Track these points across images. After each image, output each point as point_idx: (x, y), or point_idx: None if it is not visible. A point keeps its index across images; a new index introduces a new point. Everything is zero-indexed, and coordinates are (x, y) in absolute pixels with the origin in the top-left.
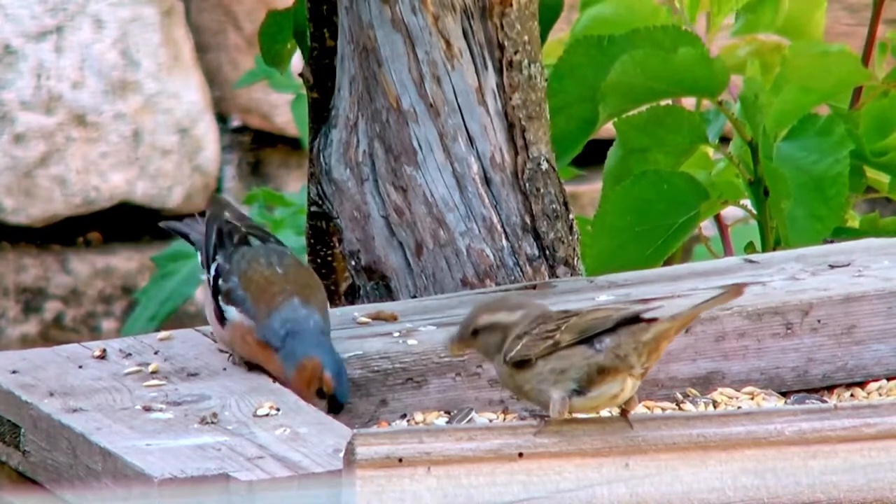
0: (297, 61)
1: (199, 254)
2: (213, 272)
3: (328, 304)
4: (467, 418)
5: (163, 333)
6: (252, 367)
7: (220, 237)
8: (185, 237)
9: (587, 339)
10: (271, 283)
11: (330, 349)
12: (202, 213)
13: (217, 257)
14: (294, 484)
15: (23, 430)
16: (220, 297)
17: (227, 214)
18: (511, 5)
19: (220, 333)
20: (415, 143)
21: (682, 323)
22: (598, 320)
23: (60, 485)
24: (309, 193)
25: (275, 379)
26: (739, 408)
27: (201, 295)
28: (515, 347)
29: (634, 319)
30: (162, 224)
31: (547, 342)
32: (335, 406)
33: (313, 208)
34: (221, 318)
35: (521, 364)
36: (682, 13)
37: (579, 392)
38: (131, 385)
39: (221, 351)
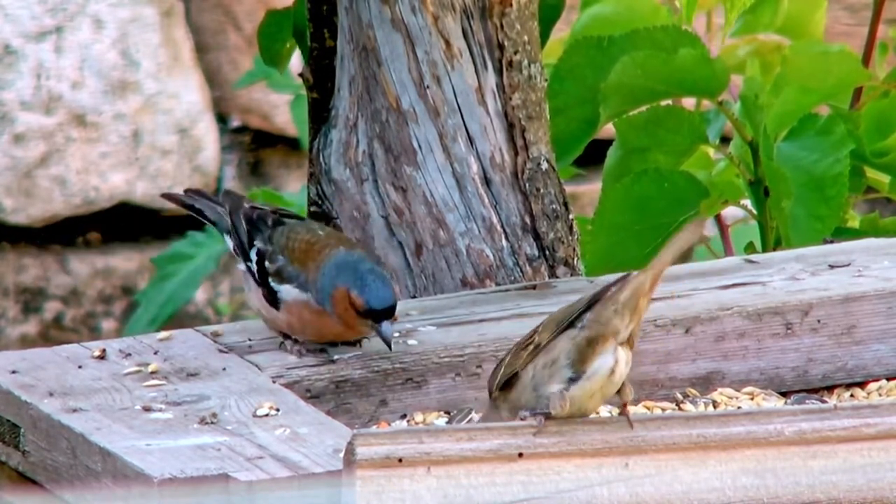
0: (296, 61)
1: (226, 237)
2: (254, 258)
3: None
4: (467, 418)
5: (162, 334)
6: (308, 351)
7: (252, 223)
8: (200, 213)
9: (568, 326)
10: (313, 244)
11: (354, 269)
12: (196, 192)
13: (255, 243)
14: (294, 484)
15: (22, 430)
16: (270, 280)
17: (246, 204)
18: (511, 5)
19: (273, 318)
20: (414, 144)
21: (654, 274)
22: (571, 306)
23: (60, 485)
24: (309, 193)
25: (340, 342)
26: (739, 408)
27: (246, 288)
28: (496, 379)
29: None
30: (164, 195)
31: (528, 349)
32: (377, 315)
33: (313, 208)
34: (274, 301)
35: (510, 382)
36: (682, 13)
37: (575, 378)
38: (131, 385)
39: (221, 351)
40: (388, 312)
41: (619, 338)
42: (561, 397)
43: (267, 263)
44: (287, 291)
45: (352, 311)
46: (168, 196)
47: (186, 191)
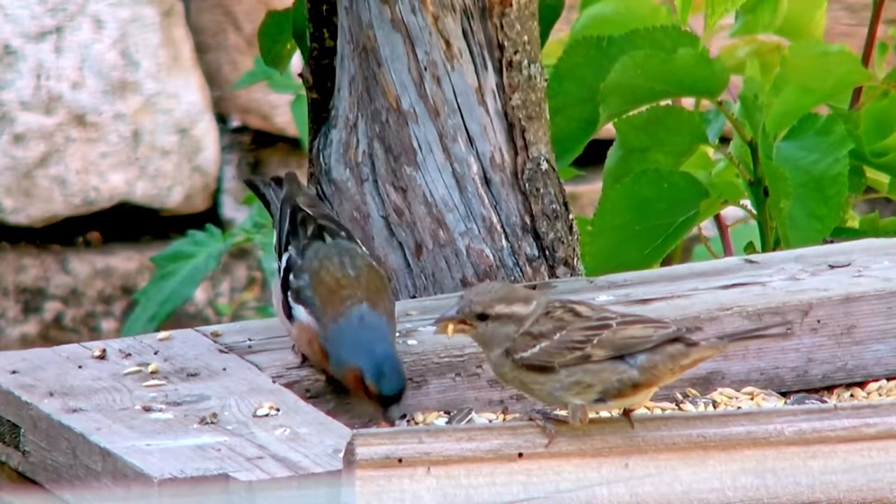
0: (296, 62)
1: (274, 230)
2: (283, 264)
3: (395, 307)
4: (467, 418)
5: (163, 333)
6: (306, 360)
7: (294, 225)
8: (267, 205)
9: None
10: (342, 287)
11: (370, 351)
12: (276, 179)
13: (290, 248)
14: (294, 484)
15: (23, 430)
16: (289, 293)
17: (301, 199)
18: (511, 5)
19: (286, 326)
20: (415, 144)
21: (722, 351)
22: (637, 340)
23: (60, 485)
24: None
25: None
26: (739, 408)
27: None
28: (530, 349)
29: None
30: (246, 180)
31: (574, 353)
32: (386, 401)
33: None
34: (289, 314)
35: (539, 368)
36: (678, 14)
37: (600, 401)
38: (131, 385)
39: (221, 351)
40: (399, 397)
41: (661, 386)
42: (583, 412)
43: (291, 276)
44: (301, 313)
45: (362, 391)
46: (249, 181)
47: (272, 178)
